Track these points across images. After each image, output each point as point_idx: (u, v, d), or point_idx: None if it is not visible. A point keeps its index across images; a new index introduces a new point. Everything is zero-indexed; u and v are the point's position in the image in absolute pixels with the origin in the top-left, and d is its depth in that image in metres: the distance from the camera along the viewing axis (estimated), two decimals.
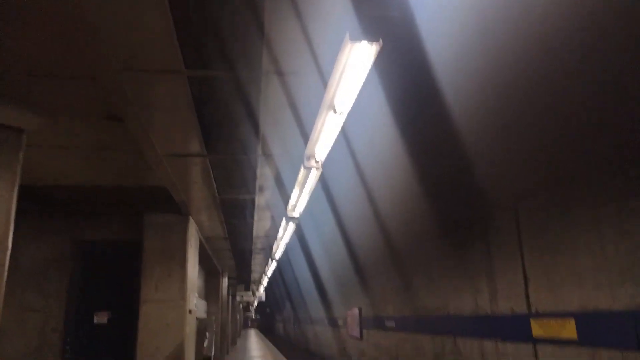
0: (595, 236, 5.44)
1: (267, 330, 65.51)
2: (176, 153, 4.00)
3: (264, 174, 4.75)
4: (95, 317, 6.59)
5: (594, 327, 5.42)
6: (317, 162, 3.99)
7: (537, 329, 6.49)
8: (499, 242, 7.40)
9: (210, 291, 14.15)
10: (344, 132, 8.71)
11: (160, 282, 6.19)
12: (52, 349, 6.36)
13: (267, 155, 4.12)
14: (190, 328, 6.32)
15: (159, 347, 5.96)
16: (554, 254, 6.15)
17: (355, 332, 16.62)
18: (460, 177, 7.65)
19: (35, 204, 6.25)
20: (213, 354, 5.64)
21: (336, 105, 3.16)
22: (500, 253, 7.36)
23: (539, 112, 5.15)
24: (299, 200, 5.28)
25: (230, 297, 20.73)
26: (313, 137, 3.58)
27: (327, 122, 3.39)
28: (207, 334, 5.61)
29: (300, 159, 4.07)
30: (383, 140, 7.93)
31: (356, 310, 16.46)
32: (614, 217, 5.00)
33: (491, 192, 7.31)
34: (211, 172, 4.56)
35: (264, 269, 15.00)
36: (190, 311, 6.43)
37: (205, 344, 5.52)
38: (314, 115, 3.38)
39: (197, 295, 11.22)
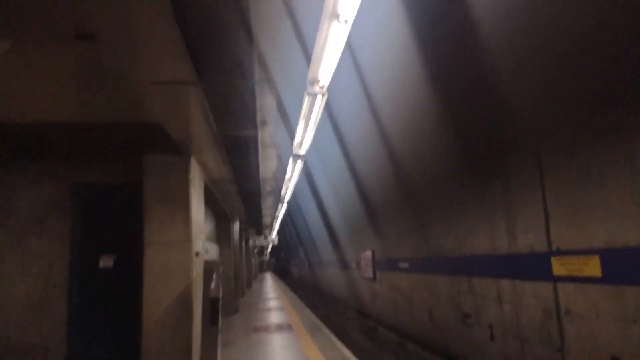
0: (626, 167, 5.00)
1: (282, 274, 67.34)
2: (163, 80, 3.57)
3: (266, 105, 4.32)
4: (100, 261, 6.46)
5: (620, 264, 5.10)
6: (321, 87, 3.53)
7: (558, 267, 6.19)
8: (519, 177, 6.98)
9: (221, 235, 14.15)
10: (349, 48, 8.07)
11: (163, 224, 5.97)
12: (58, 292, 6.29)
13: (267, 82, 3.67)
14: (198, 271, 6.15)
15: (166, 289, 5.82)
16: (579, 187, 5.73)
17: (369, 274, 16.74)
18: (480, 108, 7.13)
19: (27, 146, 5.94)
20: (221, 294, 5.46)
21: (339, 11, 2.67)
22: (520, 188, 6.96)
23: (563, 38, 4.57)
24: (304, 135, 4.87)
25: (244, 241, 20.90)
26: (315, 55, 3.11)
27: (331, 35, 2.90)
28: (215, 275, 5.39)
29: (303, 86, 3.62)
30: (395, 58, 7.31)
31: (369, 253, 16.49)
32: None
33: (513, 124, 6.81)
34: (206, 103, 4.14)
35: (275, 213, 14.86)
36: (197, 254, 6.24)
37: (213, 285, 5.33)
38: (315, 29, 2.90)
39: (207, 238, 11.17)
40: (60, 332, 6.18)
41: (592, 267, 5.51)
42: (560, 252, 6.04)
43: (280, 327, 9.97)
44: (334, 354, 6.90)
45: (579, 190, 5.68)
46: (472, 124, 7.46)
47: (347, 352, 6.96)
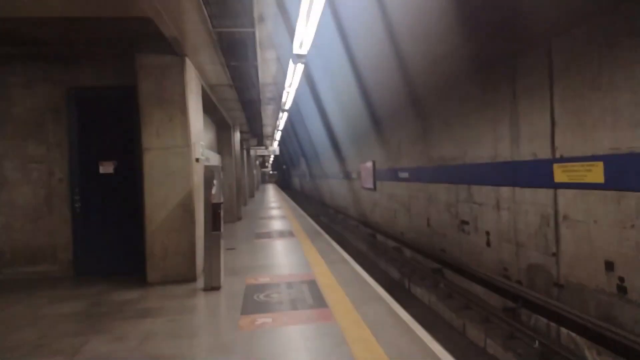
0: (638, 71, 4.75)
1: (284, 186, 68.53)
2: None
3: None
4: (100, 167, 6.42)
5: (624, 170, 5.03)
6: None
7: (560, 174, 6.15)
8: (526, 82, 6.71)
9: (222, 145, 14.07)
10: None
11: (161, 128, 5.83)
12: (61, 198, 6.32)
13: None
14: (198, 177, 6.12)
15: (168, 195, 5.83)
16: (589, 92, 5.50)
17: (369, 184, 16.93)
18: (488, 10, 6.66)
19: (21, 46, 5.64)
20: (222, 200, 5.47)
21: None
22: (527, 94, 6.71)
23: None
24: (305, 32, 4.55)
25: (245, 151, 20.90)
26: None
27: None
28: (215, 181, 5.36)
29: None
30: None
31: (370, 164, 16.54)
32: None
33: (522, 27, 6.39)
34: None
35: (276, 122, 14.65)
36: (197, 159, 6.17)
37: (214, 191, 5.31)
38: None
39: (208, 148, 11.10)
40: (65, 237, 6.30)
41: (595, 173, 5.45)
42: (563, 159, 5.96)
43: (282, 234, 10.22)
44: (334, 257, 7.11)
45: (588, 96, 5.47)
46: (480, 29, 7.02)
47: (346, 256, 7.17)
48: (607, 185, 5.26)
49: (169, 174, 5.82)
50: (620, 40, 4.94)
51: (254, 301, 4.84)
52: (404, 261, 10.71)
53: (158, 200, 5.81)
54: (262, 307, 4.61)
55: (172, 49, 5.52)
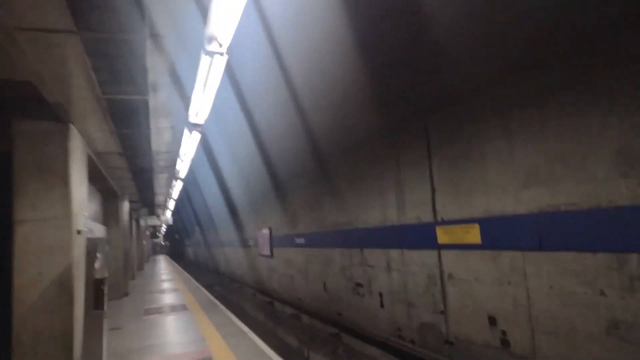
0: (504, 142, 5.51)
1: (177, 256, 64.97)
2: (33, 26, 3.11)
3: (156, 66, 3.98)
4: None
5: (498, 231, 5.64)
6: (220, 45, 3.34)
7: (442, 235, 6.70)
8: (408, 155, 7.38)
9: (109, 215, 13.19)
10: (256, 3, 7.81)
11: (38, 200, 5.34)
12: None
13: (157, 37, 3.37)
14: (79, 250, 5.62)
15: (42, 271, 5.24)
16: (462, 163, 6.20)
17: (266, 251, 16.76)
18: (370, 89, 7.34)
19: None
20: (107, 275, 5.05)
21: None
22: (409, 165, 7.37)
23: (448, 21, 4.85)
24: (202, 102, 4.61)
25: (134, 221, 19.69)
26: (215, 8, 2.91)
27: None
28: (98, 254, 4.96)
29: (199, 43, 3.39)
30: (307, 15, 7.26)
31: (266, 230, 16.48)
32: (530, 120, 5.01)
33: (404, 105, 7.14)
34: (87, 59, 3.71)
35: (169, 191, 14.15)
36: (79, 232, 5.70)
37: (97, 265, 4.90)
38: None
39: (92, 218, 10.30)
40: None
41: (473, 234, 6.03)
42: (444, 222, 6.52)
43: (174, 308, 9.59)
44: (231, 329, 6.80)
45: (462, 167, 6.15)
46: (363, 105, 7.69)
47: (243, 327, 6.90)
48: (484, 245, 5.81)
49: (46, 249, 5.28)
50: (487, 117, 5.70)
51: None
52: (302, 328, 10.56)
53: (30, 277, 5.18)
54: None
55: (55, 115, 5.21)
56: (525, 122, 5.11)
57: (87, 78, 4.18)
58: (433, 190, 6.76)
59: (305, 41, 7.41)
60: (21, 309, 5.09)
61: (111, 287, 12.39)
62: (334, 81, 7.84)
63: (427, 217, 6.89)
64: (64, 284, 5.28)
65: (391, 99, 7.13)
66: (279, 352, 5.81)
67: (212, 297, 11.12)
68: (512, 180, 5.36)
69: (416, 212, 7.16)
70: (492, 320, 5.67)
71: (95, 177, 9.46)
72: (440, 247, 6.62)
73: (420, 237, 7.06)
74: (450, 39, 5.53)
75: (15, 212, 5.22)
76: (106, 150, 7.44)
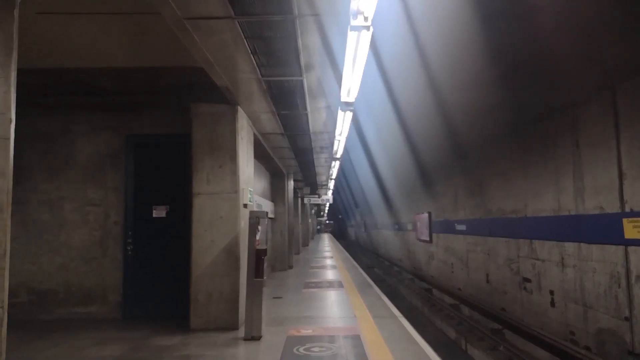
0: None
1: (340, 235, 68.10)
2: (200, 14, 3.37)
3: (308, 45, 4.02)
4: (154, 211, 6.60)
5: None
6: (366, 18, 3.19)
7: (631, 229, 5.57)
8: (590, 132, 6.31)
9: (276, 193, 14.24)
10: None
11: (211, 174, 5.94)
12: (115, 240, 6.52)
13: (305, 16, 3.37)
14: (245, 222, 6.12)
15: (214, 239, 5.84)
16: None
17: (425, 236, 16.37)
18: (544, 58, 6.40)
19: (85, 95, 6.05)
20: (267, 247, 5.39)
21: None
22: (591, 145, 6.30)
23: None
24: (353, 78, 4.54)
25: (299, 199, 21.03)
26: None
27: None
28: (259, 227, 5.31)
29: (346, 19, 3.29)
30: None
31: (425, 215, 16.07)
32: None
33: (581, 74, 6.08)
34: (245, 42, 3.91)
35: (329, 172, 14.70)
36: (245, 205, 6.20)
37: (258, 236, 5.26)
38: None
39: (262, 195, 11.25)
40: (116, 279, 6.42)
41: None
42: (634, 214, 5.43)
43: (331, 284, 9.95)
44: (382, 311, 6.75)
45: None
46: (535, 78, 6.75)
47: (395, 311, 6.78)
48: None
49: (217, 218, 5.86)
50: None
51: (293, 354, 4.61)
52: (460, 319, 10.05)
53: (204, 245, 5.83)
54: None
55: (224, 98, 5.70)
56: None
57: (248, 61, 4.43)
58: (621, 175, 5.68)
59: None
60: (197, 271, 5.76)
61: (277, 260, 13.45)
62: (500, 49, 7.04)
63: (611, 206, 5.84)
64: (232, 252, 5.82)
65: (569, 69, 6.15)
66: (431, 341, 5.56)
67: (367, 278, 11.28)
68: None
69: (598, 201, 6.12)
70: None
71: (263, 157, 10.24)
72: (628, 243, 5.55)
73: (602, 229, 6.02)
74: None
75: (194, 185, 5.90)
76: (270, 131, 7.95)
